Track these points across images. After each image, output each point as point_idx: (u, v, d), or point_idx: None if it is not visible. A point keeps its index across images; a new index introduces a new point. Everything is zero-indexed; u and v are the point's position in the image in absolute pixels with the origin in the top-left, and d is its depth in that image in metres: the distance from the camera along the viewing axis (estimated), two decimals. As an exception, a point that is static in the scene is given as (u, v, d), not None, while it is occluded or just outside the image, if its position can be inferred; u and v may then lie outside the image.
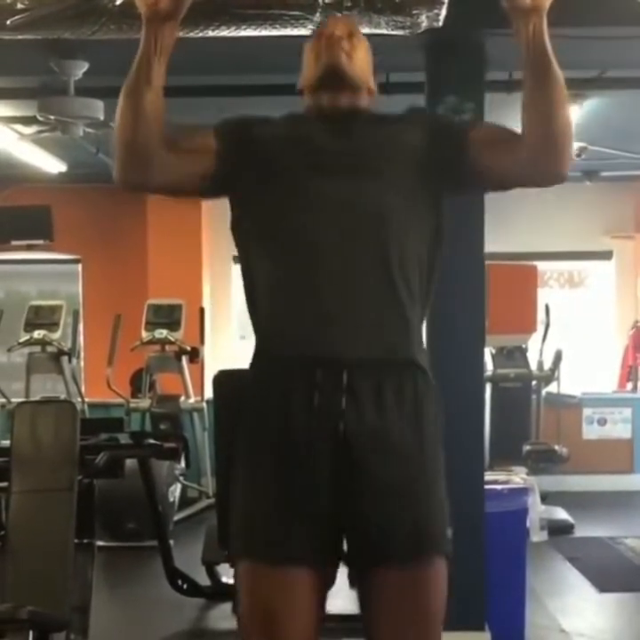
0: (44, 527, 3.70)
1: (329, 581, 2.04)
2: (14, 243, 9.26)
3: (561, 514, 6.99)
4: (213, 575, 5.28)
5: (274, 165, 2.04)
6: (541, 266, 7.71)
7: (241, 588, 2.00)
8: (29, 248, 9.33)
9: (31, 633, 3.31)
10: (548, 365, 7.60)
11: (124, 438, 4.42)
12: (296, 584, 1.93)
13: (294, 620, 1.94)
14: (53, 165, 7.79)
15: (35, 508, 3.76)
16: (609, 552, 6.31)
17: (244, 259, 2.14)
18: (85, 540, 4.13)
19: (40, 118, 5.33)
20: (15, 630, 3.34)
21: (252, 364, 2.18)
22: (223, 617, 5.04)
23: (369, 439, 1.98)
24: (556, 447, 7.14)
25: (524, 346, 7.60)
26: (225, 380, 4.75)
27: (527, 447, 7.08)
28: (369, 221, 1.99)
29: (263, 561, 1.93)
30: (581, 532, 6.83)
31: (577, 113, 6.23)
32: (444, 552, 2.02)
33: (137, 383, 8.08)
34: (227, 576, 5.22)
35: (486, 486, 4.39)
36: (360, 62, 2.07)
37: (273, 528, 1.95)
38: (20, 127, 6.12)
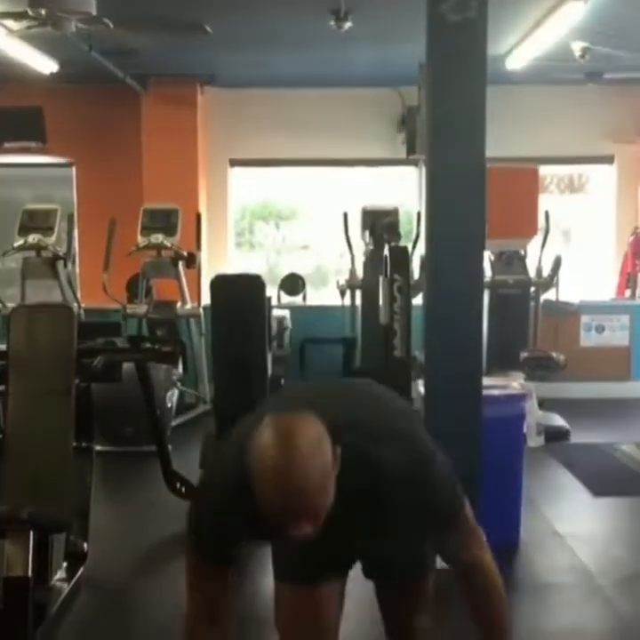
0: (42, 430, 3.69)
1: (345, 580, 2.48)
2: (6, 145, 9.11)
3: (557, 420, 7.03)
4: (211, 479, 5.31)
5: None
6: (542, 170, 7.60)
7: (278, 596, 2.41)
8: (22, 151, 9.18)
9: (31, 533, 3.33)
10: (546, 272, 7.55)
11: (121, 342, 4.39)
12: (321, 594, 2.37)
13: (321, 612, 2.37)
14: (45, 65, 7.60)
15: (33, 412, 3.75)
16: (604, 458, 6.36)
17: None
18: (84, 444, 4.14)
19: (31, 13, 5.18)
20: (16, 531, 3.36)
21: None
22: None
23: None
24: (554, 354, 7.13)
25: (522, 252, 7.54)
26: (222, 284, 4.75)
27: (525, 354, 7.08)
28: None
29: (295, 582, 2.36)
30: (577, 438, 6.87)
31: (581, 11, 6.05)
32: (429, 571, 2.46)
33: (133, 289, 8.03)
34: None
35: (484, 392, 4.38)
36: (325, 506, 1.82)
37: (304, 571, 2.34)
38: (9, 22, 5.93)
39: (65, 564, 4.13)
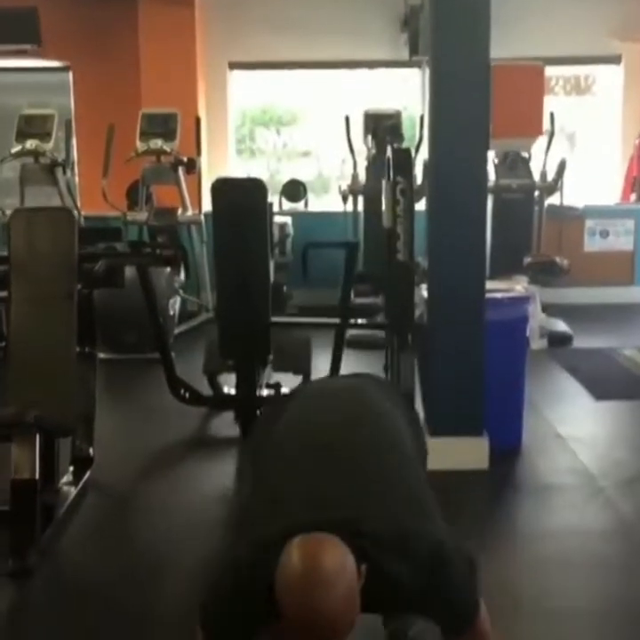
0: (45, 335, 3.67)
1: None
2: (0, 48, 8.92)
3: (560, 325, 7.03)
4: (215, 385, 5.32)
5: None
6: (547, 71, 7.44)
7: None
8: (17, 54, 9.00)
9: (38, 437, 3.35)
10: (551, 176, 7.46)
11: (122, 248, 4.34)
12: None
13: None
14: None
15: (36, 317, 3.73)
16: (607, 362, 6.37)
17: None
18: (87, 350, 4.14)
19: None
20: (22, 434, 3.37)
21: None
22: (225, 425, 5.12)
23: None
24: (557, 259, 7.09)
25: (526, 155, 7.43)
26: (223, 187, 4.68)
27: (528, 259, 7.04)
28: None
29: None
30: (580, 343, 6.88)
31: None
32: None
33: (133, 196, 7.94)
34: (228, 386, 5.27)
35: (487, 295, 4.36)
36: (350, 628, 1.83)
37: None
38: None
39: (71, 469, 4.17)
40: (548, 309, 6.97)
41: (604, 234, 8.44)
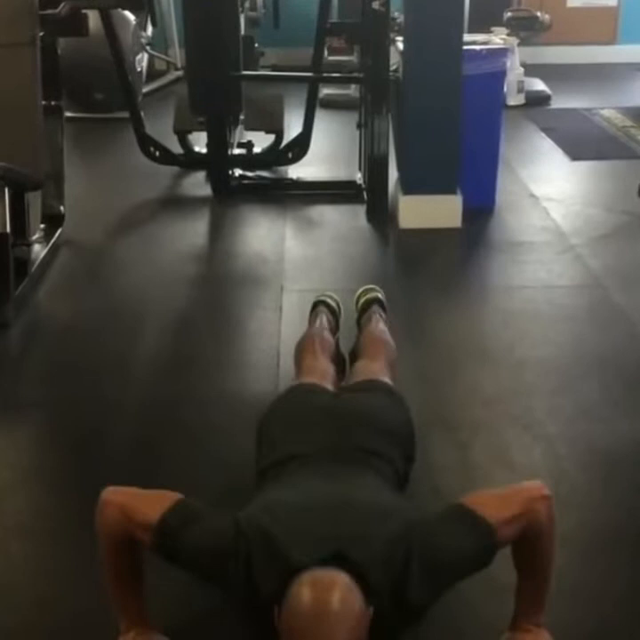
0: (8, 84, 3.51)
1: None
2: None
3: (539, 85, 6.88)
4: (186, 144, 5.23)
5: None
6: None
7: None
8: None
9: (6, 190, 3.28)
10: None
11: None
12: None
13: None
14: None
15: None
16: (584, 123, 6.28)
17: None
18: (53, 103, 4.01)
19: None
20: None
21: None
22: (196, 184, 5.07)
23: None
24: (539, 14, 6.83)
25: None
26: None
27: (508, 13, 6.78)
28: None
29: None
30: (558, 103, 6.77)
31: None
32: None
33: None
34: (199, 145, 5.18)
35: (465, 47, 4.22)
36: None
37: None
38: None
39: (42, 226, 4.14)
40: (528, 69, 6.79)
41: (588, -12, 8.10)
